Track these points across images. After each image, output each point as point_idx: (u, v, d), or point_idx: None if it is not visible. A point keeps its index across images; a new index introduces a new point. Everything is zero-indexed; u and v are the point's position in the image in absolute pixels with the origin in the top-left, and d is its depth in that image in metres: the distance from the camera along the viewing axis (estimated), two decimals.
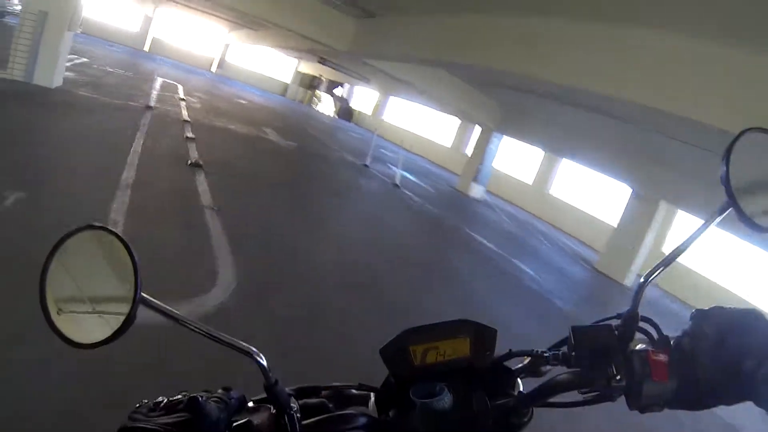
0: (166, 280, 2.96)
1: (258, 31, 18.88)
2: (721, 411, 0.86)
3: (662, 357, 0.54)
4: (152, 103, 9.19)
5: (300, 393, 0.61)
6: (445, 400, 0.58)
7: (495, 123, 13.60)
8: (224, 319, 2.81)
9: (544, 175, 16.17)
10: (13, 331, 2.03)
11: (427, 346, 0.61)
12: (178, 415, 0.48)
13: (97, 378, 1.96)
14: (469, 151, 18.28)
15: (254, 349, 0.53)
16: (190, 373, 2.15)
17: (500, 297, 5.65)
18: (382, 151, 16.03)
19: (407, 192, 9.94)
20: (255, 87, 27.22)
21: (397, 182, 10.24)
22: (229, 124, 10.52)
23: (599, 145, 10.52)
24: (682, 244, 0.57)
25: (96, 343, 0.47)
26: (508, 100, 12.53)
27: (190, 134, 7.69)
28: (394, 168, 11.90)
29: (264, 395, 0.55)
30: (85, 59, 12.05)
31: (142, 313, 0.48)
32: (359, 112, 26.87)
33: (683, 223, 11.79)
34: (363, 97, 27.78)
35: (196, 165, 6.05)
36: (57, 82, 7.69)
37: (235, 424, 0.53)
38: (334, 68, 18.76)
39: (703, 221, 0.58)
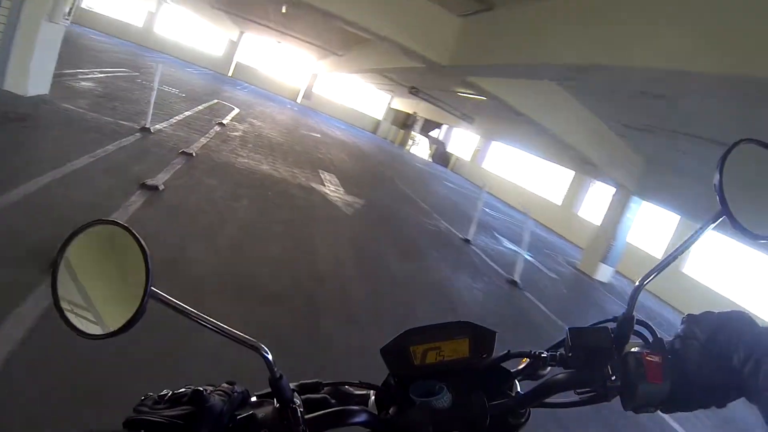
0: None
1: (342, 56, 16.85)
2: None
3: (657, 359, 0.54)
4: (156, 127, 6.71)
5: (302, 389, 0.61)
6: (444, 399, 0.59)
7: (634, 183, 9.72)
8: None
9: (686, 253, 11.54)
10: None
11: (427, 347, 0.61)
12: (182, 407, 0.49)
13: None
14: (582, 211, 15.43)
15: (261, 344, 0.52)
16: None
17: None
18: (485, 209, 11.56)
19: (531, 296, 5.98)
20: (342, 121, 25.45)
21: (516, 278, 6.24)
22: (271, 163, 7.81)
23: None
24: (676, 250, 0.57)
25: (105, 334, 0.49)
26: (659, 152, 8.71)
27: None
28: (504, 241, 8.45)
29: (267, 390, 0.55)
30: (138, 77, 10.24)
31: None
32: (457, 158, 23.74)
33: None
34: (461, 141, 24.66)
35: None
36: (36, 89, 5.42)
37: (238, 417, 0.53)
38: (428, 101, 15.86)
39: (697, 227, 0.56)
